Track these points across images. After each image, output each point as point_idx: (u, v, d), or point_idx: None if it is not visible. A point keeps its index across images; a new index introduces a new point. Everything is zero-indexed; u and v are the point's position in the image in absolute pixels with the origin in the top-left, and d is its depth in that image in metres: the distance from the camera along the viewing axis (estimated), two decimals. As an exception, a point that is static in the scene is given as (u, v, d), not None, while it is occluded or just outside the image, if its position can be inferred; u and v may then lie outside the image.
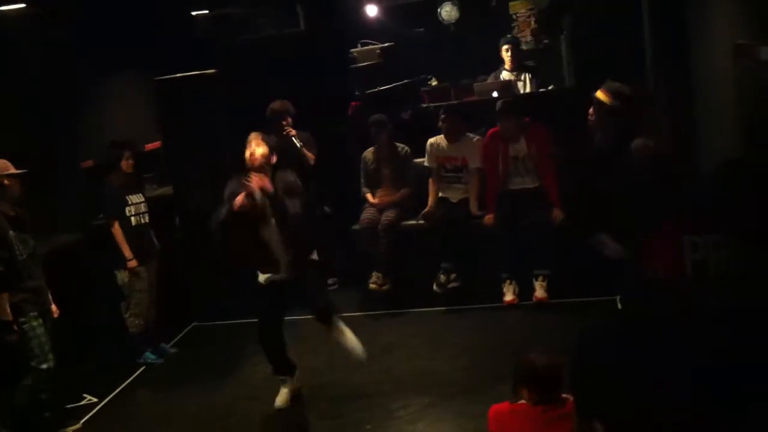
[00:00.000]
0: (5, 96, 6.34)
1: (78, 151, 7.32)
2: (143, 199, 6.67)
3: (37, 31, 6.86)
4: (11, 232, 5.23)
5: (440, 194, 7.34)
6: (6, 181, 5.25)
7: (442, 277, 7.10)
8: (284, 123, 7.24)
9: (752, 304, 4.07)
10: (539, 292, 6.72)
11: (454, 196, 7.30)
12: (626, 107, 5.55)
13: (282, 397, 5.57)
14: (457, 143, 7.22)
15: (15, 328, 5.14)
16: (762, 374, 3.16)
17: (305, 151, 7.29)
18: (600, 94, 5.72)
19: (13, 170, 5.29)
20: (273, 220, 5.24)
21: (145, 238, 6.60)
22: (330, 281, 7.81)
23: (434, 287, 7.08)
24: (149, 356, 6.63)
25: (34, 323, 5.26)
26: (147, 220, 6.64)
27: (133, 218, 6.53)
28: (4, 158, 5.36)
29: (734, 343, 3.40)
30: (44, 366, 5.27)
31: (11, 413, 5.29)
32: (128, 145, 6.66)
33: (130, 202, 6.53)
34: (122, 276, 6.50)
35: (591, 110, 6.00)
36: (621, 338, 1.20)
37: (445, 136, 7.25)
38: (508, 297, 6.81)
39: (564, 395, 3.47)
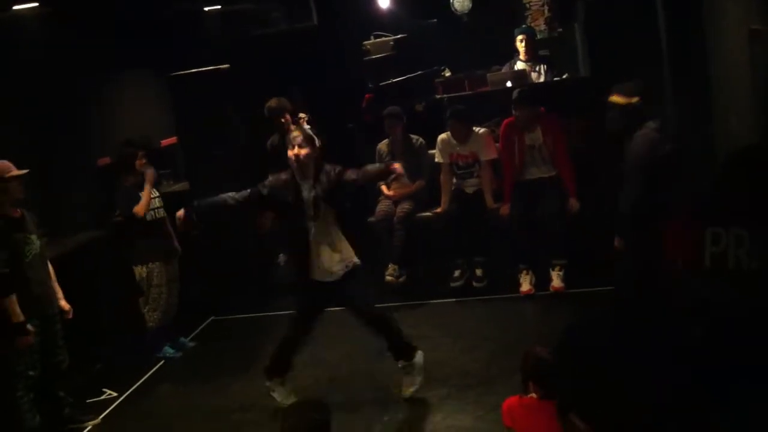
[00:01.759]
0: (19, 95, 6.37)
1: (94, 148, 7.35)
2: (158, 195, 6.70)
3: (51, 30, 6.89)
4: (16, 234, 5.20)
5: (454, 186, 7.33)
6: (9, 183, 5.18)
7: (457, 272, 7.11)
8: (283, 120, 7.24)
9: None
10: (556, 282, 6.71)
11: (469, 189, 7.29)
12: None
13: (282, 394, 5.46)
14: (466, 143, 7.20)
15: (30, 328, 5.13)
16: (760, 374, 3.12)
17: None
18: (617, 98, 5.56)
19: (15, 171, 5.22)
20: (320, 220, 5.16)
21: (161, 234, 6.64)
22: None
23: (451, 284, 7.09)
24: (168, 350, 6.67)
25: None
26: (162, 215, 6.67)
27: (148, 214, 6.56)
28: (19, 156, 5.37)
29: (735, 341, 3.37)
30: (31, 373, 5.22)
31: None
32: (142, 145, 6.68)
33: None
34: (140, 271, 6.54)
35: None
36: (608, 332, 1.18)
37: (454, 138, 7.23)
38: (525, 287, 6.80)
39: None
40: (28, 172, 5.29)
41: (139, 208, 6.41)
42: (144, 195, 6.44)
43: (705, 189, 5.20)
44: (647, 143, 5.21)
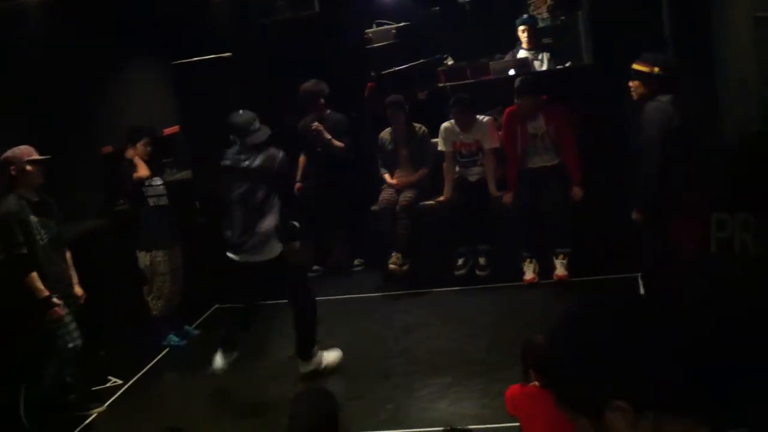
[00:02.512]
0: (25, 84, 6.37)
1: (97, 137, 7.34)
2: (161, 183, 6.71)
3: (55, 19, 6.88)
4: (33, 217, 5.29)
5: (457, 175, 7.33)
6: (28, 167, 5.31)
7: (460, 261, 7.12)
8: (318, 105, 7.31)
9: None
10: (559, 270, 6.72)
11: (472, 177, 7.29)
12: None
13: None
14: (470, 131, 7.20)
15: (55, 300, 5.24)
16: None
17: (334, 142, 7.35)
18: (640, 66, 5.56)
19: (36, 156, 5.35)
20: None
21: (164, 222, 6.64)
22: (356, 262, 7.86)
23: (454, 272, 7.09)
24: (173, 338, 6.69)
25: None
26: (165, 203, 6.67)
27: (150, 200, 6.56)
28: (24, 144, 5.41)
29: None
30: (71, 345, 5.37)
31: (38, 393, 5.36)
32: (145, 131, 6.70)
33: (149, 185, 6.57)
34: (144, 259, 6.56)
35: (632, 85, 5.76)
36: (608, 321, 1.19)
37: (458, 126, 7.23)
38: (529, 276, 6.81)
39: None
40: (48, 158, 5.39)
41: (137, 174, 6.44)
42: (138, 165, 6.47)
43: (710, 175, 5.21)
44: (660, 113, 5.23)
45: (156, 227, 6.55)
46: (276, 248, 5.50)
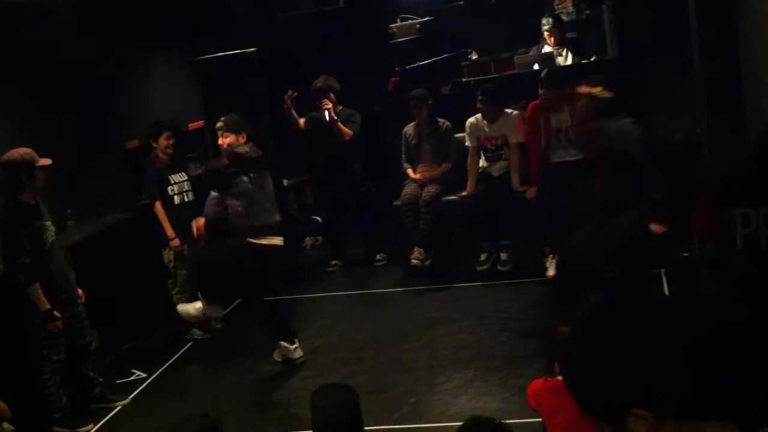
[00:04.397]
0: (48, 79, 6.43)
1: (122, 131, 7.41)
2: (186, 178, 6.76)
3: (79, 13, 6.94)
4: (35, 221, 5.23)
5: (480, 170, 7.31)
6: (37, 172, 5.21)
7: (483, 256, 7.09)
8: (328, 99, 7.32)
9: None
10: (550, 268, 6.68)
11: (496, 171, 7.27)
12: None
13: None
14: (496, 122, 7.17)
15: (56, 314, 5.21)
16: None
17: (340, 125, 7.35)
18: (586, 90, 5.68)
19: (42, 161, 5.24)
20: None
21: (190, 217, 6.67)
22: (378, 257, 7.88)
23: (477, 268, 7.06)
24: (196, 332, 6.74)
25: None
26: (191, 199, 6.72)
27: (176, 197, 6.62)
28: (48, 139, 5.43)
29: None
30: (55, 357, 5.31)
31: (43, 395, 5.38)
32: (165, 125, 6.74)
33: (172, 182, 6.64)
34: (168, 254, 6.61)
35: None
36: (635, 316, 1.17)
37: (484, 118, 7.20)
38: (551, 271, 6.76)
39: None
40: (52, 163, 5.33)
41: (158, 206, 6.53)
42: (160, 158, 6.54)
43: (734, 170, 5.16)
44: (632, 131, 5.27)
45: (181, 224, 6.58)
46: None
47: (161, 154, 6.64)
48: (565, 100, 6.82)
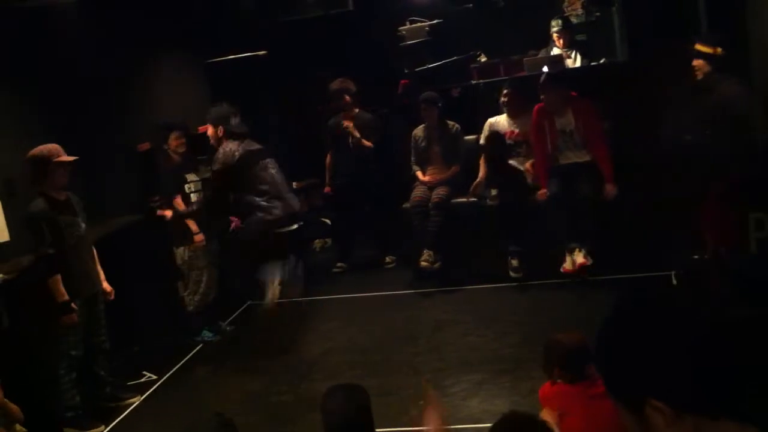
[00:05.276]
0: (58, 81, 6.46)
1: (133, 134, 7.44)
2: (197, 179, 6.79)
3: (89, 15, 6.97)
4: (61, 216, 5.33)
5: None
6: (57, 167, 5.30)
7: (514, 262, 6.97)
8: (343, 102, 7.37)
9: None
10: (580, 259, 6.64)
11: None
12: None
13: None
14: (519, 118, 7.17)
15: (74, 306, 5.29)
16: None
17: (363, 141, 7.41)
18: (702, 47, 5.61)
19: (63, 157, 5.33)
20: None
21: (203, 217, 6.72)
22: (387, 259, 7.89)
23: (510, 273, 6.96)
24: (206, 333, 6.76)
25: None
26: (201, 198, 6.75)
27: (193, 195, 6.66)
28: (60, 141, 5.47)
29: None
30: (73, 353, 5.38)
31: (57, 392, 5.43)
32: (174, 125, 6.76)
33: (188, 180, 6.67)
34: (181, 254, 6.63)
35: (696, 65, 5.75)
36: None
37: (508, 112, 7.21)
38: (580, 259, 6.62)
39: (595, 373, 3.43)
40: (75, 159, 5.39)
41: (178, 201, 6.54)
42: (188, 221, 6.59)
43: (747, 174, 5.16)
44: (740, 92, 5.22)
45: (197, 220, 6.61)
46: None
47: (173, 154, 6.67)
48: (567, 103, 6.81)
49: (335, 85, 7.55)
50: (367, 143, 7.50)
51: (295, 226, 6.21)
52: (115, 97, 7.16)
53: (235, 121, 6.32)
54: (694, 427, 1.33)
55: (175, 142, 6.65)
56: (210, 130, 6.01)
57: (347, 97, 7.49)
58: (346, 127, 7.46)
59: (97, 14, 6.99)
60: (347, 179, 7.83)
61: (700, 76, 5.53)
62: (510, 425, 2.80)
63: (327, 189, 8.01)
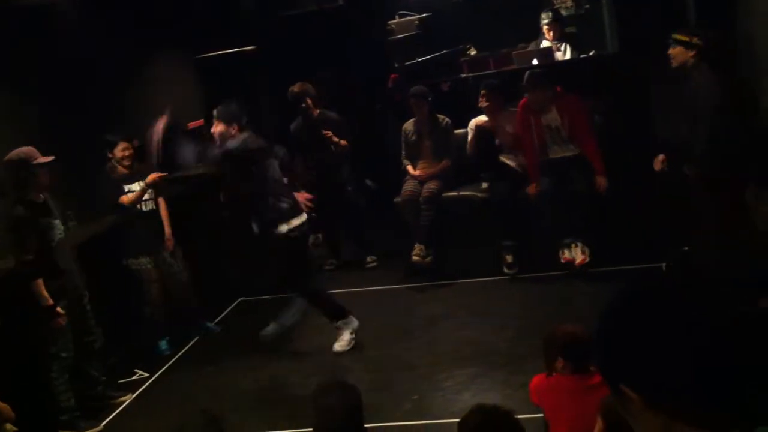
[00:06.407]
0: (47, 78, 6.42)
1: (120, 131, 7.39)
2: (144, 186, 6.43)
3: (79, 12, 6.93)
4: (42, 219, 5.26)
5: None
6: (35, 170, 5.22)
7: (509, 258, 6.98)
8: (304, 105, 7.29)
9: None
10: (579, 257, 6.65)
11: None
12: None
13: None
14: (500, 116, 7.14)
15: (59, 311, 5.22)
16: None
17: (335, 139, 7.36)
18: (678, 35, 5.66)
19: (41, 159, 5.25)
20: None
21: (151, 225, 6.45)
22: (368, 259, 7.84)
23: (504, 270, 6.96)
24: (162, 345, 6.55)
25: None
26: (153, 207, 6.47)
27: (142, 204, 6.39)
28: (45, 141, 5.43)
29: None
30: (63, 355, 5.34)
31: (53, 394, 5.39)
32: (125, 137, 6.51)
33: (128, 191, 6.37)
34: (133, 265, 6.40)
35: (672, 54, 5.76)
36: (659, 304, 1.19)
37: (486, 114, 7.19)
38: (579, 257, 6.66)
39: (592, 367, 3.45)
40: (53, 159, 5.32)
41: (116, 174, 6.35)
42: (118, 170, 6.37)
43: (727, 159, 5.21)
44: (715, 80, 5.26)
45: (143, 233, 6.38)
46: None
47: (117, 165, 6.41)
48: (552, 99, 6.79)
49: (295, 88, 7.41)
50: (343, 143, 7.46)
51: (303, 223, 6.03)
52: (104, 93, 7.12)
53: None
54: (663, 424, 1.34)
55: (121, 153, 6.40)
56: (217, 127, 5.78)
57: (309, 100, 7.40)
58: (326, 134, 7.39)
59: (86, 10, 6.96)
60: (320, 180, 7.72)
61: (675, 64, 5.59)
62: (478, 417, 2.86)
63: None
